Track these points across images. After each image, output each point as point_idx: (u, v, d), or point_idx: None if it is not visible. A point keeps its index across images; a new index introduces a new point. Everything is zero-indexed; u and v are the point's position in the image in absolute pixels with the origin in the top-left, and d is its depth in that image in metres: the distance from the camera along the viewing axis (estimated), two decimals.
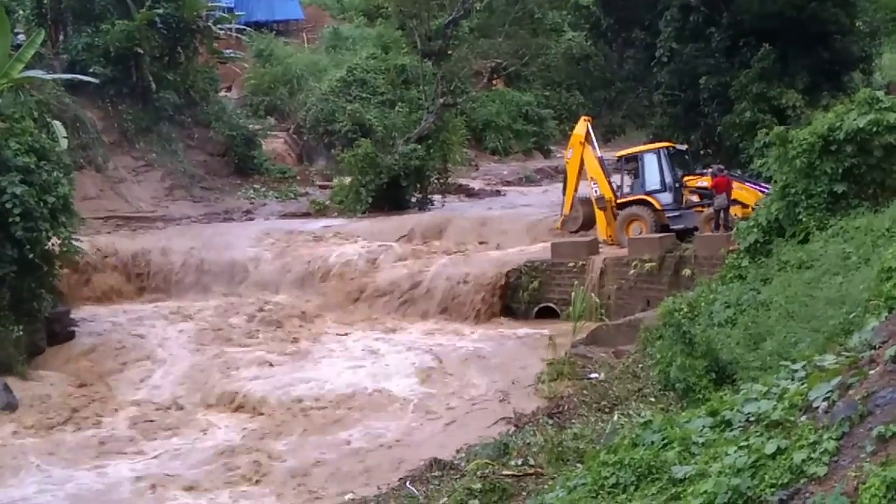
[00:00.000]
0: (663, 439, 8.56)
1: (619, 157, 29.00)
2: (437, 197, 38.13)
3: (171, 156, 39.13)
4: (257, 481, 16.82)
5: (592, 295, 25.47)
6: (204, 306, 28.32)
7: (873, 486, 6.30)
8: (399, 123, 39.52)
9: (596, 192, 28.09)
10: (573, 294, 25.00)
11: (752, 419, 8.00)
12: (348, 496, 15.61)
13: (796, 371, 8.53)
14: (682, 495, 7.57)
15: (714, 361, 13.12)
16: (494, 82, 51.34)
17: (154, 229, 34.09)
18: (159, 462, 17.93)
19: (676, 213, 27.18)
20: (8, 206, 22.09)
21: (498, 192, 42.80)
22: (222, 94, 46.48)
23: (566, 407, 16.29)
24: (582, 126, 28.88)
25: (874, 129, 16.12)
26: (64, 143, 27.27)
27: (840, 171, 16.32)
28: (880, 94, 17.18)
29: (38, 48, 30.10)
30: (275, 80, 48.66)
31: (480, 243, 31.12)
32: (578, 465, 11.22)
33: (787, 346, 11.83)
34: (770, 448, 7.30)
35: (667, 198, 27.31)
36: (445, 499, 12.50)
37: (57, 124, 28.83)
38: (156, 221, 35.33)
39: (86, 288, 28.55)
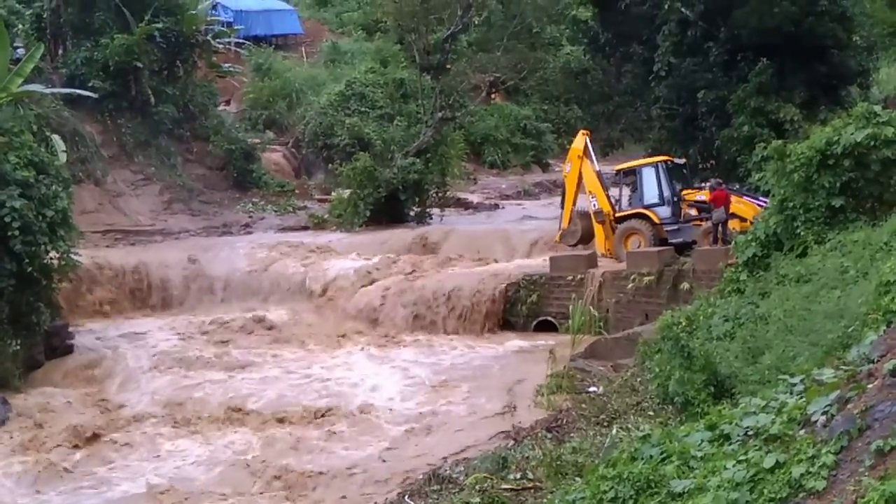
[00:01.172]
0: (662, 453, 8.55)
1: (618, 171, 28.99)
2: (435, 210, 38.17)
3: (170, 169, 39.18)
4: (255, 494, 16.77)
5: (591, 308, 25.47)
6: (202, 319, 28.34)
7: (872, 500, 6.30)
8: (397, 137, 39.62)
9: (594, 205, 28.09)
10: (572, 307, 24.99)
11: (750, 433, 8.00)
12: None
13: (795, 385, 8.53)
14: None
15: (712, 375, 13.11)
16: (493, 96, 51.48)
17: (153, 243, 34.12)
18: (158, 475, 17.87)
19: (675, 227, 27.16)
20: (7, 219, 22.14)
21: (496, 206, 42.83)
22: (221, 107, 46.53)
23: (565, 420, 16.29)
24: (580, 140, 28.87)
25: (872, 143, 16.16)
26: (63, 157, 27.37)
27: (838, 185, 16.35)
28: (878, 108, 17.22)
29: (37, 62, 30.23)
30: (273, 94, 48.73)
31: (478, 258, 31.12)
32: (577, 478, 11.21)
33: (785, 359, 11.83)
34: (769, 462, 7.30)
35: (665, 211, 27.30)
36: None
37: (56, 138, 28.93)
38: (154, 235, 35.35)
39: (84, 302, 28.55)
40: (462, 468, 15.05)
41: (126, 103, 38.95)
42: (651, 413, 15.00)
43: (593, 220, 28.20)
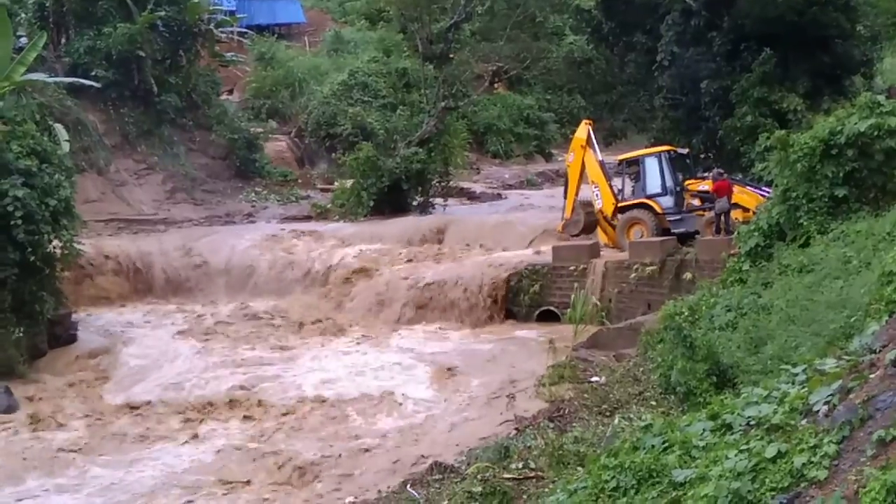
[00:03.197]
0: (664, 443, 8.56)
1: (621, 161, 28.98)
2: (438, 200, 38.16)
3: (173, 159, 39.20)
4: (257, 483, 16.81)
5: (593, 298, 25.47)
6: (205, 309, 28.43)
7: (873, 489, 6.31)
8: (400, 127, 39.57)
9: (597, 196, 28.05)
10: (574, 297, 24.99)
11: (752, 423, 8.01)
12: (349, 499, 15.62)
13: (797, 375, 8.53)
14: (682, 499, 7.58)
15: (715, 365, 13.10)
16: (496, 86, 51.30)
17: (155, 232, 34.13)
18: (161, 464, 17.92)
19: (677, 217, 27.16)
20: (9, 208, 22.16)
21: (499, 196, 42.83)
22: (224, 97, 46.51)
23: (567, 410, 16.30)
24: (583, 129, 28.85)
25: (875, 133, 16.14)
26: (66, 146, 27.30)
27: (841, 175, 16.33)
28: (881, 98, 17.20)
29: (40, 51, 30.17)
30: (276, 84, 48.68)
31: (481, 247, 31.12)
32: (579, 468, 11.22)
33: (787, 349, 11.82)
34: (770, 452, 7.30)
35: (668, 201, 27.28)
36: (446, 502, 12.51)
37: (59, 127, 28.88)
38: (157, 224, 35.37)
39: (87, 291, 28.58)
40: (464, 457, 15.09)
41: (129, 92, 38.98)
42: (653, 403, 15.01)
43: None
